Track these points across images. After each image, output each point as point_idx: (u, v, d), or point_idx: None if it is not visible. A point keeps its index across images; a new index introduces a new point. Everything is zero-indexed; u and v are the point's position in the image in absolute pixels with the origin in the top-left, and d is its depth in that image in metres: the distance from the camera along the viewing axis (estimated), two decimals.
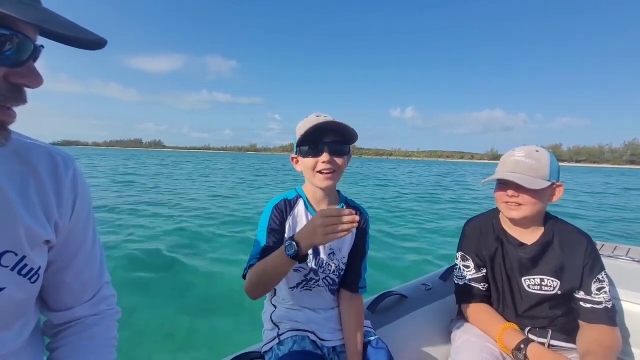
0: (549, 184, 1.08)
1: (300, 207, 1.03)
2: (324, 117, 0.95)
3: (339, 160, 0.95)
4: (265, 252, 0.94)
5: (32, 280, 0.53)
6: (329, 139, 0.93)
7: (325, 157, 0.93)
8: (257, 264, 0.92)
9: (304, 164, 0.97)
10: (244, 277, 0.95)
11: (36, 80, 0.43)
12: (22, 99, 0.43)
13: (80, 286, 0.64)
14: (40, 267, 0.54)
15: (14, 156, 0.53)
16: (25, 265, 0.51)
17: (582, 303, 1.11)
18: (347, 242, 1.06)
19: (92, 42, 0.42)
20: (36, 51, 0.42)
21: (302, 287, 1.04)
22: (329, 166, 0.93)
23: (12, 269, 0.50)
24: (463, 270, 1.28)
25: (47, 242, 0.56)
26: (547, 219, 1.19)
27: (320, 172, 0.95)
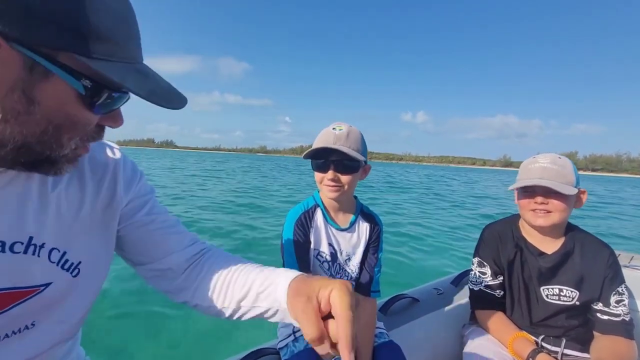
0: (577, 190, 1.08)
1: (319, 218, 1.07)
2: (339, 131, 0.97)
3: (344, 177, 0.98)
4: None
5: (73, 274, 0.56)
6: (335, 157, 0.97)
7: (330, 174, 0.98)
8: None
9: (315, 176, 1.04)
10: None
11: (119, 122, 0.49)
12: (101, 137, 0.49)
13: (178, 233, 0.69)
14: (80, 262, 0.57)
15: None
16: (67, 260, 0.55)
17: (599, 314, 1.10)
18: (361, 247, 1.09)
19: (176, 107, 0.47)
20: (127, 100, 0.48)
21: None
22: (332, 183, 0.98)
23: (57, 264, 0.54)
24: (479, 276, 1.28)
25: (123, 218, 0.62)
26: (568, 228, 1.18)
27: (327, 185, 1.00)
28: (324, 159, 0.98)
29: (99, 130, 0.48)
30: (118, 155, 0.64)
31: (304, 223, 1.04)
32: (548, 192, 1.09)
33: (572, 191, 1.06)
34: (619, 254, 2.00)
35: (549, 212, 1.10)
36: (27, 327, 0.53)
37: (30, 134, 0.40)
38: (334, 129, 0.98)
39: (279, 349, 1.06)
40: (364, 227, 1.10)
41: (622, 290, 1.10)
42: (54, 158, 0.44)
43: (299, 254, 1.02)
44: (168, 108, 0.46)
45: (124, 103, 0.47)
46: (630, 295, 1.43)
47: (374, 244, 1.10)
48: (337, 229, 1.07)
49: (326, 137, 0.98)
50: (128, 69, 0.42)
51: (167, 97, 0.46)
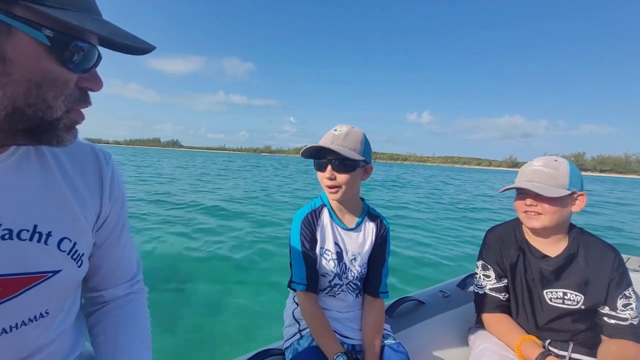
0: (568, 192, 1.07)
1: (325, 217, 1.08)
2: (338, 132, 0.99)
3: (341, 177, 0.98)
4: (309, 277, 1.03)
5: (79, 264, 0.59)
6: (332, 157, 0.98)
7: (327, 172, 0.99)
8: (311, 318, 1.01)
9: (317, 175, 1.05)
10: (290, 286, 1.09)
11: (98, 83, 0.49)
12: (88, 101, 0.50)
13: (121, 268, 0.73)
14: (84, 254, 0.60)
15: (65, 153, 0.59)
16: (77, 251, 0.58)
17: (606, 318, 1.09)
18: (366, 247, 1.09)
19: (144, 50, 0.48)
20: (99, 58, 0.48)
21: (327, 293, 1.08)
22: (330, 182, 0.99)
23: (68, 253, 0.56)
24: (483, 279, 1.28)
25: (93, 230, 0.63)
26: (572, 231, 1.17)
27: (326, 186, 1.01)
28: (324, 158, 1.00)
29: (83, 95, 0.49)
30: (115, 165, 0.66)
31: (311, 221, 1.06)
32: (537, 195, 1.09)
33: (558, 193, 1.06)
34: (629, 259, 1.97)
35: (539, 214, 1.11)
36: (42, 315, 0.55)
37: (15, 97, 0.41)
38: (335, 129, 1.01)
39: (285, 349, 1.06)
40: (370, 228, 1.11)
41: (629, 293, 1.09)
42: (50, 122, 0.45)
43: (305, 252, 1.04)
44: (134, 49, 0.46)
45: (97, 61, 0.48)
46: (639, 300, 1.41)
47: (380, 245, 1.11)
48: (343, 228, 1.08)
49: (326, 137, 1.00)
50: (86, 16, 0.43)
51: (133, 37, 0.46)
